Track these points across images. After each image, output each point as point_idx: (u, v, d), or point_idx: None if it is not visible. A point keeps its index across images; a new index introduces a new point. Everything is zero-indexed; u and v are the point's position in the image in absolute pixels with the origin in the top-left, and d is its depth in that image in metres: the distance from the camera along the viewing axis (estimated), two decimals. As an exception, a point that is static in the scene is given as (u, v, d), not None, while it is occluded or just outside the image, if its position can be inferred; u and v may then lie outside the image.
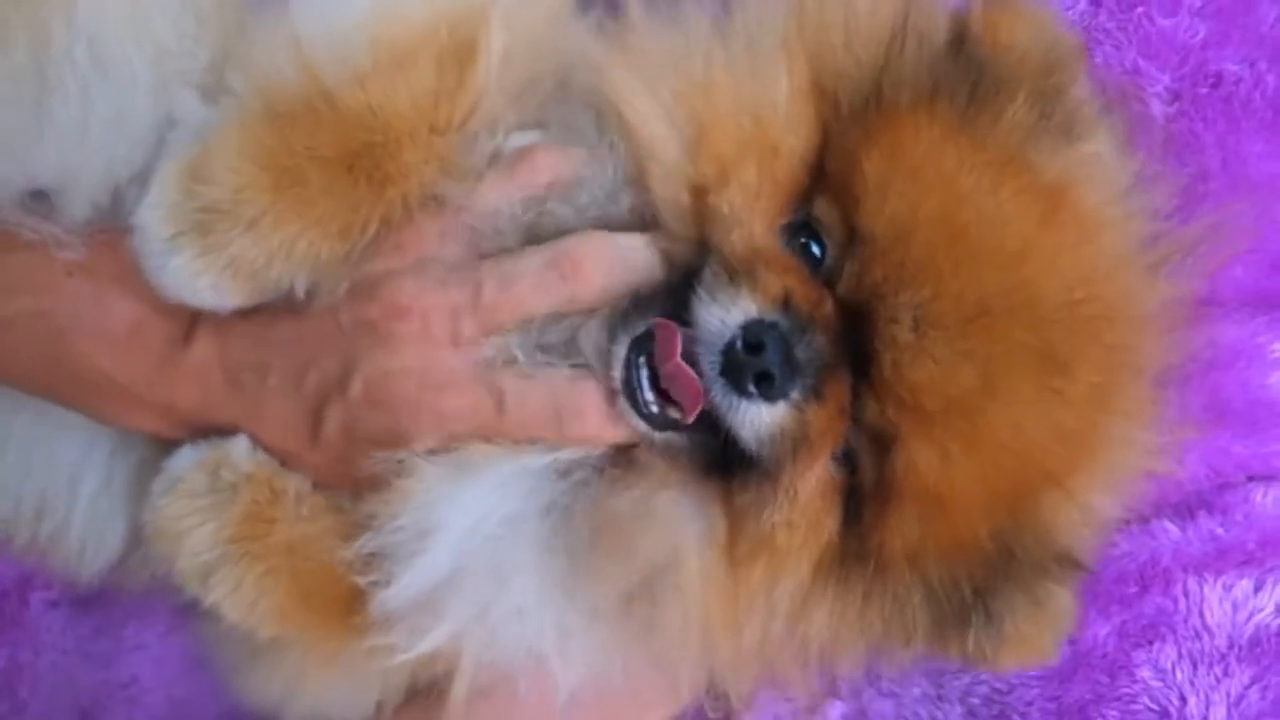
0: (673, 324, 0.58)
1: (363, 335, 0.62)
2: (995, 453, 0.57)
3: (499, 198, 0.63)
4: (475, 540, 0.61)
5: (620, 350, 0.60)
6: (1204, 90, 0.74)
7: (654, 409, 0.59)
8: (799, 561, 0.60)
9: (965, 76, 0.60)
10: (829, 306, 0.58)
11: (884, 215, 0.57)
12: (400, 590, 0.61)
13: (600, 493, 0.62)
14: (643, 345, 0.60)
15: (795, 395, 0.57)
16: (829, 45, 0.62)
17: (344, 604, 0.64)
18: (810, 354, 0.57)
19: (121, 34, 0.64)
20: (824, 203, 0.60)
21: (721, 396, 0.57)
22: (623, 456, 0.62)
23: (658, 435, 0.60)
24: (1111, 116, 0.65)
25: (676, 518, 0.61)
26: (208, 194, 0.59)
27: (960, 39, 0.61)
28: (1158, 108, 0.75)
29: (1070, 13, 0.75)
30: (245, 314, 0.64)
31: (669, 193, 0.61)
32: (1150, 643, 0.74)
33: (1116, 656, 0.74)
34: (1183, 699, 0.73)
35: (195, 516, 0.64)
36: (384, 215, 0.62)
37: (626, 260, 0.61)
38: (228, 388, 0.64)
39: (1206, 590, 0.74)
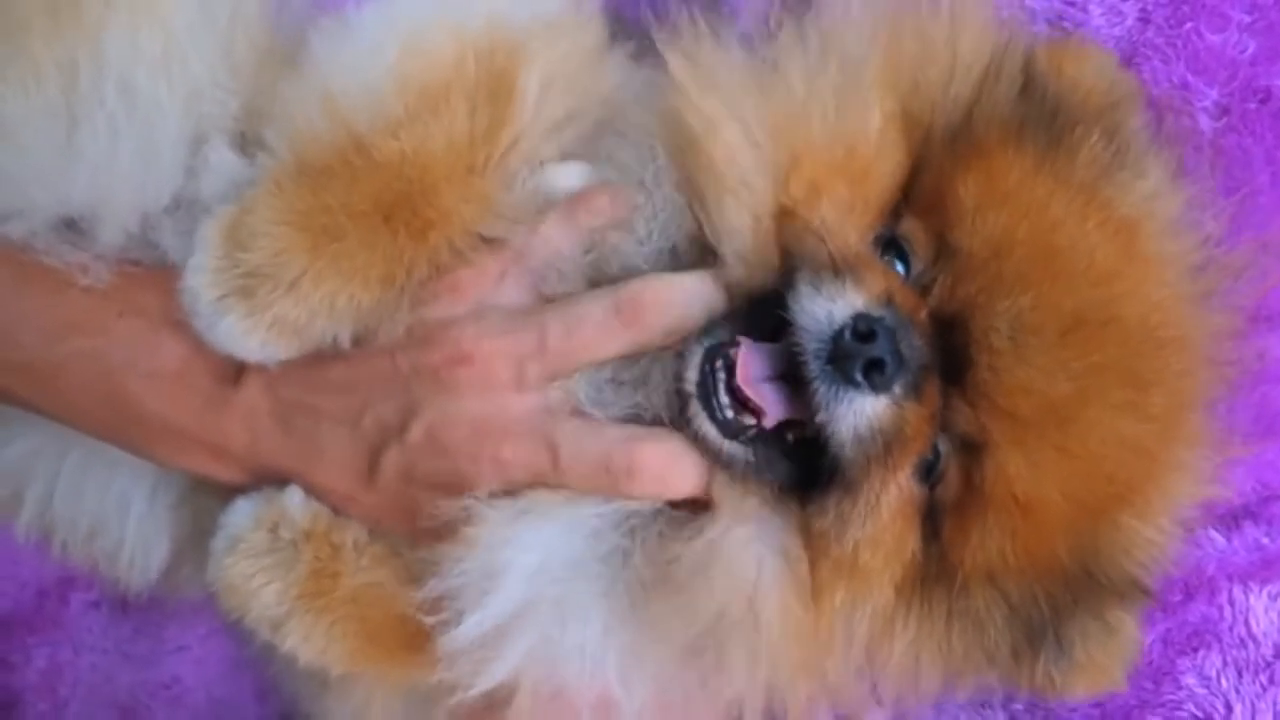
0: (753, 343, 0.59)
1: (424, 381, 0.62)
2: (1083, 463, 0.58)
3: (560, 241, 0.63)
4: (539, 581, 0.61)
5: (695, 356, 0.60)
6: (1252, 106, 0.75)
7: (729, 414, 0.59)
8: (881, 583, 0.60)
9: (1043, 113, 0.63)
10: (925, 313, 0.59)
11: (980, 235, 0.59)
12: (468, 629, 0.61)
13: (663, 537, 0.62)
14: (720, 351, 0.59)
15: (898, 390, 0.57)
16: (926, 79, 0.63)
17: (410, 641, 0.64)
18: (912, 352, 0.58)
19: (153, 73, 0.65)
20: (911, 221, 0.62)
21: (825, 388, 0.57)
22: (686, 501, 0.62)
23: (726, 444, 0.60)
24: (1166, 148, 0.67)
25: (746, 563, 0.60)
26: (249, 260, 0.60)
27: (1029, 77, 0.64)
28: (1206, 123, 0.75)
29: (1118, 28, 0.76)
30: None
31: (747, 221, 0.61)
32: (1195, 650, 0.75)
33: (1161, 664, 0.75)
34: (1228, 707, 0.73)
35: (261, 576, 0.65)
36: (430, 259, 0.62)
37: (688, 301, 0.61)
38: (278, 429, 0.65)
39: (1252, 599, 0.75)
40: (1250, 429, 0.75)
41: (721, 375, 0.59)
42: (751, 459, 0.60)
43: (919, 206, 0.62)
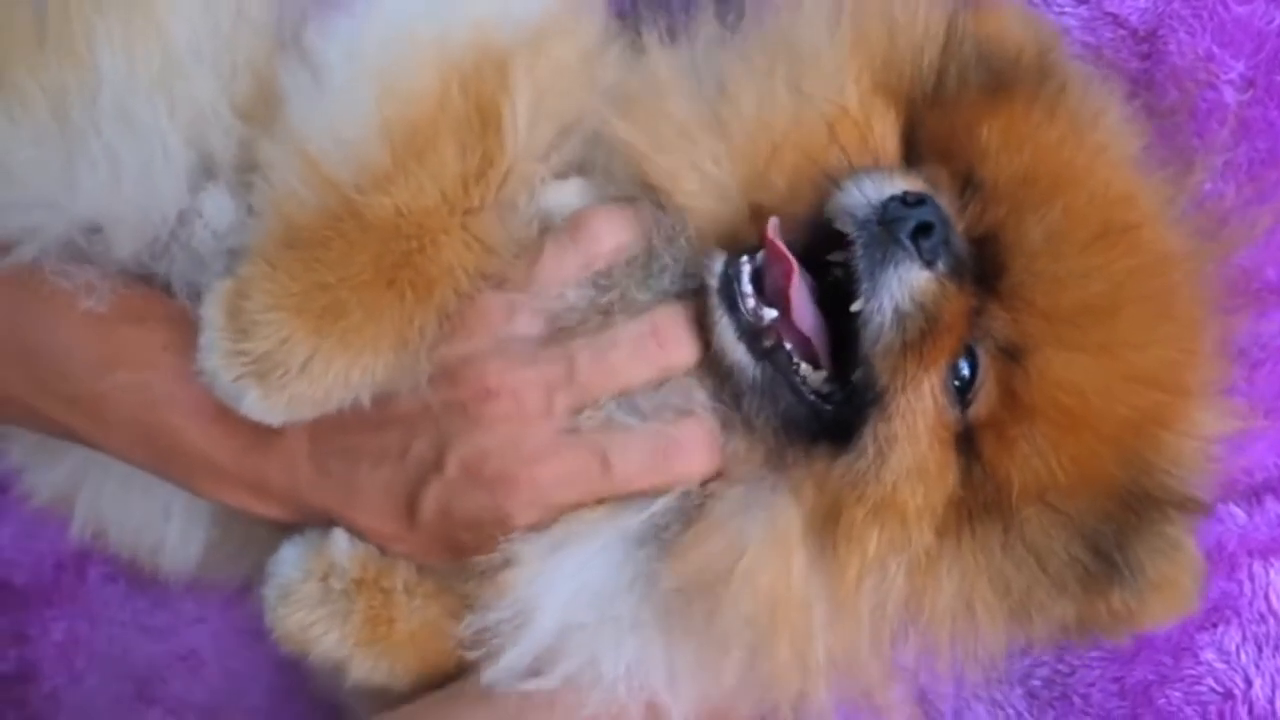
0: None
1: (454, 417, 0.62)
2: (1124, 363, 0.59)
3: (562, 271, 0.62)
4: (575, 609, 0.61)
5: (719, 254, 0.60)
6: (1279, 77, 0.75)
7: (750, 303, 0.58)
8: (921, 525, 0.58)
9: (1005, 71, 0.64)
10: (961, 227, 0.60)
11: (1006, 169, 0.60)
12: (508, 663, 0.62)
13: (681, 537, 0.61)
14: (748, 250, 0.59)
15: (942, 266, 0.57)
16: (896, 55, 0.64)
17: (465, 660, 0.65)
18: (956, 240, 0.58)
19: (152, 95, 0.64)
20: (932, 166, 0.62)
21: (869, 257, 0.57)
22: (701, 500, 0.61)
23: (740, 350, 0.59)
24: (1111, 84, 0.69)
25: (733, 527, 0.59)
26: (254, 348, 0.60)
27: (967, 43, 0.64)
28: (1231, 95, 0.74)
29: (1144, -1, 0.76)
30: None
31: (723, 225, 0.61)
32: (1214, 625, 0.75)
33: (1180, 639, 0.75)
34: (1248, 681, 0.73)
35: (317, 626, 0.65)
36: (438, 313, 0.62)
37: (706, 267, 0.60)
38: (317, 471, 0.65)
39: (1272, 575, 0.74)
40: (1272, 404, 0.75)
41: (747, 267, 0.58)
42: (759, 378, 0.59)
43: (934, 154, 0.62)
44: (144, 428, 0.65)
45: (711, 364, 0.61)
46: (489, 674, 0.62)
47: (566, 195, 0.64)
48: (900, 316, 0.57)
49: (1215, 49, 0.75)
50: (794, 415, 0.59)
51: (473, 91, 0.61)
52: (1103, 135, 0.64)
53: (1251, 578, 0.75)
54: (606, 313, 0.63)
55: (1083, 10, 0.75)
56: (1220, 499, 0.76)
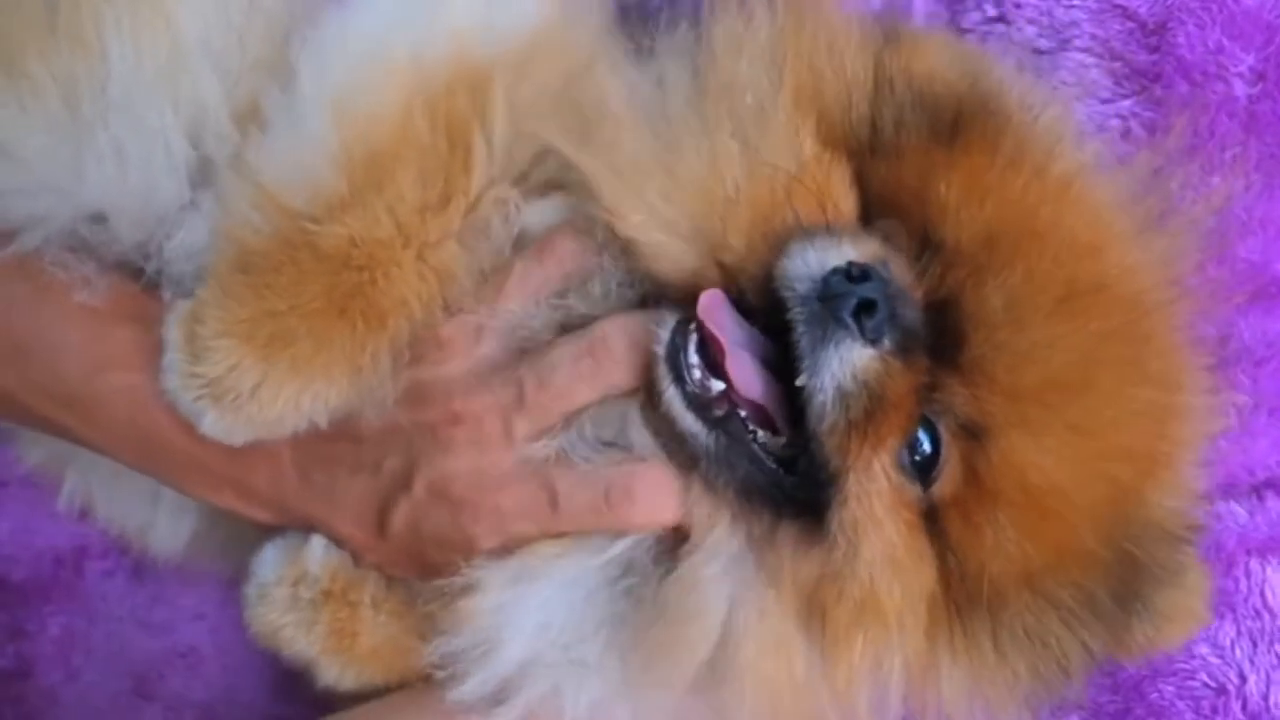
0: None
1: (423, 438, 0.62)
2: (1098, 440, 0.56)
3: (528, 292, 0.62)
4: (539, 642, 0.61)
5: (669, 322, 0.58)
6: (1289, 72, 0.74)
7: (695, 374, 0.56)
8: (905, 624, 0.57)
9: (947, 112, 0.61)
10: (919, 294, 0.57)
11: (967, 228, 0.57)
12: (472, 688, 0.61)
13: (650, 592, 0.60)
14: (695, 318, 0.57)
15: (887, 343, 0.55)
16: (825, 107, 0.61)
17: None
18: (906, 312, 0.55)
19: (156, 90, 0.63)
20: (888, 222, 0.60)
21: (810, 334, 0.54)
22: (670, 551, 0.60)
23: (690, 419, 0.57)
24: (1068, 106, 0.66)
25: (713, 605, 0.58)
26: (206, 373, 0.60)
27: (893, 83, 0.62)
28: (1241, 88, 0.73)
29: (1154, -11, 0.74)
30: None
31: (686, 274, 0.59)
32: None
33: (1175, 633, 0.76)
34: (1242, 676, 0.74)
35: (286, 630, 0.67)
36: (393, 342, 0.61)
37: (654, 335, 0.59)
38: (299, 477, 0.65)
39: (1269, 571, 0.75)
40: (1275, 402, 0.75)
41: (694, 336, 0.57)
42: (713, 446, 0.57)
43: (889, 209, 0.59)
44: (135, 429, 0.65)
45: (665, 423, 0.59)
46: (452, 695, 0.62)
47: (545, 213, 0.63)
48: (843, 395, 0.54)
49: (1225, 41, 0.73)
50: (754, 482, 0.58)
51: (441, 114, 0.60)
52: (1063, 165, 0.61)
53: (1248, 574, 0.75)
54: (560, 331, 0.62)
55: (1091, 2, 0.74)
56: (1220, 498, 0.76)
